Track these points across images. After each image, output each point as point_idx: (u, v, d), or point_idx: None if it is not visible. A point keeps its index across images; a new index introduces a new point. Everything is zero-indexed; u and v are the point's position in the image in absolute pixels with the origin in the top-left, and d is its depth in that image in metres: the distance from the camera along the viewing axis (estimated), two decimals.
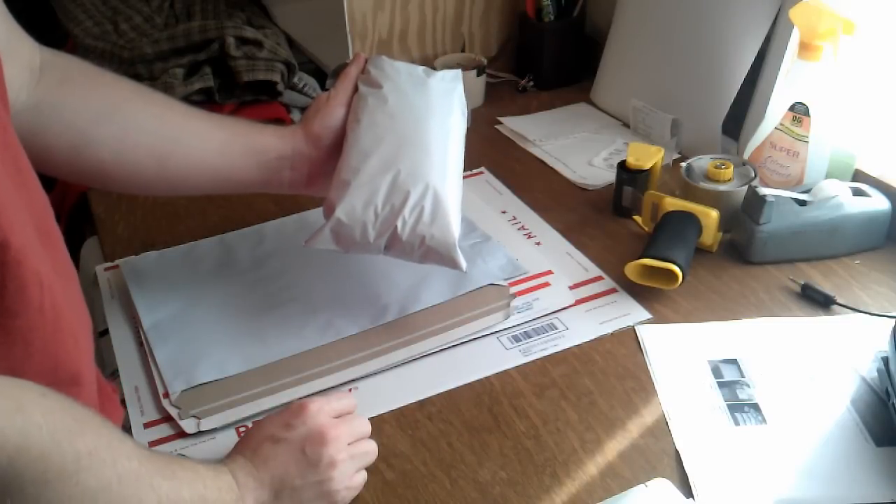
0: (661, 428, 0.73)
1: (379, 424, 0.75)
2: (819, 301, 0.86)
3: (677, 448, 0.70)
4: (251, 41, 1.20)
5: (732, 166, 0.95)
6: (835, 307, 0.85)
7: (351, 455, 0.66)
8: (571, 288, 0.89)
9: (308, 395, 0.75)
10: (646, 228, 0.97)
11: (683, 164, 0.98)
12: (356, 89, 0.83)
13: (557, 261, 0.94)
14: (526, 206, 1.05)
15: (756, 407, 0.74)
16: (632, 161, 0.99)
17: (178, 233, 1.00)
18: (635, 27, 1.21)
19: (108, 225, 1.04)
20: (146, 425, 0.75)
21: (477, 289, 0.87)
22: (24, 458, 0.46)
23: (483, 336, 0.84)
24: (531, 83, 1.35)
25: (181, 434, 0.73)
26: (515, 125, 1.24)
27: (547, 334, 0.84)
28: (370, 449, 0.68)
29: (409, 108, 0.80)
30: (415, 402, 0.77)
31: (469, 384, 0.78)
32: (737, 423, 0.72)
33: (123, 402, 0.77)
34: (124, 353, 0.83)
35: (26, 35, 0.71)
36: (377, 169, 0.76)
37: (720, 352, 0.80)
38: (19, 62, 0.69)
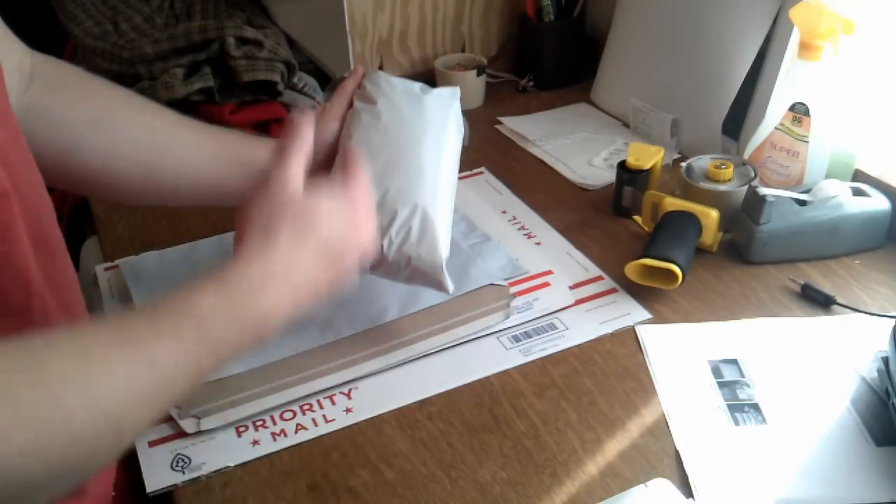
0: (661, 428, 0.73)
1: (379, 424, 0.75)
2: (819, 301, 0.86)
3: (677, 448, 0.70)
4: (251, 41, 1.20)
5: (732, 166, 0.95)
6: (835, 307, 0.85)
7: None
8: (571, 288, 0.89)
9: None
10: (646, 228, 0.97)
11: (683, 164, 0.98)
12: (352, 104, 0.82)
13: (557, 261, 0.94)
14: (526, 206, 1.05)
15: (756, 407, 0.74)
16: (632, 161, 0.99)
17: (178, 233, 1.00)
18: (635, 27, 1.21)
19: (108, 225, 1.04)
20: None
21: (477, 289, 0.87)
22: None
23: (483, 336, 0.84)
24: (531, 83, 1.35)
25: (181, 434, 0.73)
26: (515, 125, 1.24)
27: (547, 334, 0.84)
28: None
29: (403, 125, 0.79)
30: (415, 402, 0.77)
31: (469, 384, 0.78)
32: (737, 423, 0.72)
33: None
34: None
35: (17, 39, 0.71)
36: None
37: (720, 352, 0.80)
38: (9, 66, 0.69)
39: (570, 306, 0.87)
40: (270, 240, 0.59)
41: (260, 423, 0.75)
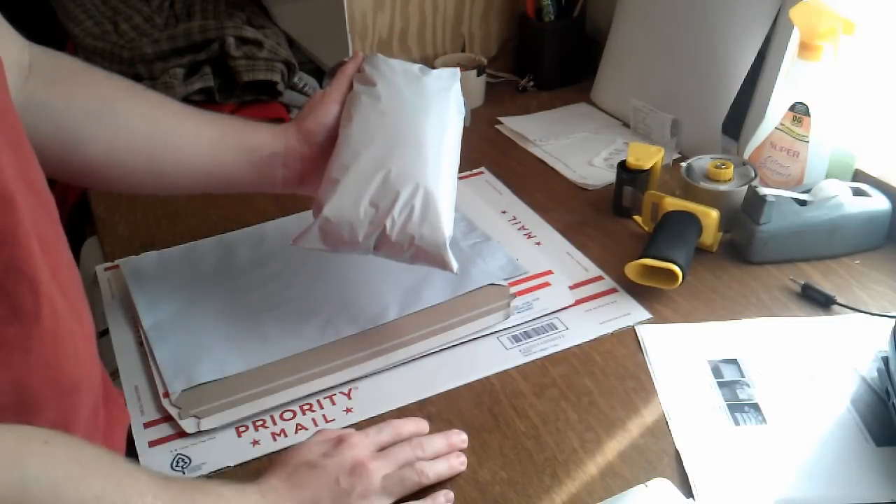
0: (661, 428, 0.73)
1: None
2: (819, 301, 0.86)
3: (677, 448, 0.70)
4: (251, 41, 1.20)
5: (732, 166, 0.95)
6: (835, 307, 0.85)
7: (384, 487, 0.65)
8: (571, 288, 0.89)
9: (340, 426, 0.73)
10: (646, 228, 0.97)
11: (683, 164, 0.98)
12: (352, 87, 0.82)
13: (557, 261, 0.94)
14: (526, 206, 1.05)
15: (756, 407, 0.74)
16: (632, 161, 0.99)
17: (178, 233, 1.00)
18: (635, 27, 1.21)
19: (108, 225, 1.04)
20: (146, 425, 0.75)
21: (477, 289, 0.87)
22: None
23: (483, 336, 0.84)
24: (531, 83, 1.35)
25: (181, 434, 0.73)
26: (515, 125, 1.24)
27: (547, 334, 0.84)
28: (407, 476, 0.66)
29: (403, 106, 0.80)
30: (415, 402, 0.77)
31: (469, 384, 0.78)
32: (737, 423, 0.72)
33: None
34: (124, 353, 0.83)
35: (15, 33, 0.71)
36: (368, 167, 0.75)
37: (720, 352, 0.80)
38: (8, 61, 0.68)
39: (570, 306, 0.87)
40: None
41: (260, 423, 0.75)
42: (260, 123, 0.83)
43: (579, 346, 0.82)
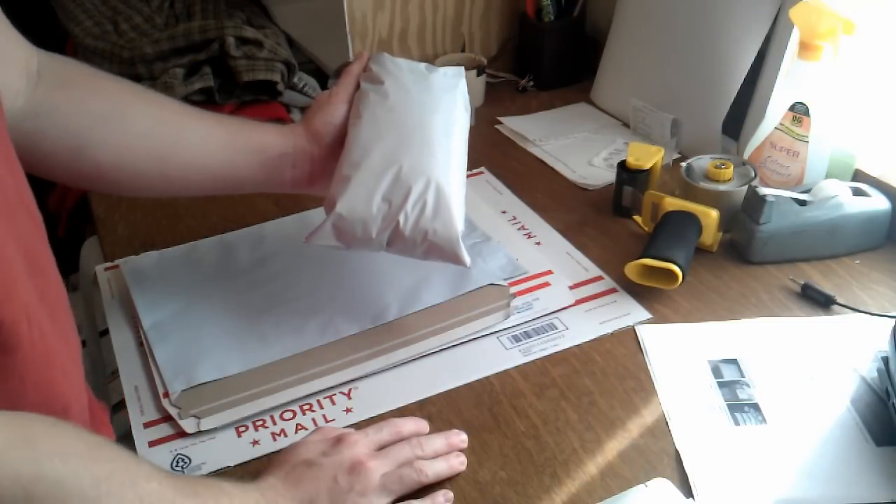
0: (661, 428, 0.73)
1: None
2: (819, 301, 0.86)
3: (677, 448, 0.70)
4: (251, 41, 1.20)
5: (732, 166, 0.95)
6: (835, 307, 0.85)
7: (383, 485, 0.65)
8: (571, 288, 0.89)
9: (339, 425, 0.73)
10: (646, 228, 0.97)
11: (683, 164, 0.98)
12: (358, 86, 0.82)
13: (557, 261, 0.94)
14: (526, 206, 1.05)
15: (756, 407, 0.74)
16: (632, 161, 0.99)
17: (178, 233, 1.00)
18: (635, 27, 1.21)
19: (108, 225, 1.04)
20: (146, 425, 0.75)
21: (477, 289, 0.87)
22: (42, 487, 0.46)
23: (483, 336, 0.84)
24: (531, 83, 1.35)
25: (181, 434, 0.73)
26: (515, 125, 1.24)
27: (547, 334, 0.84)
28: (406, 475, 0.66)
29: (411, 103, 0.80)
30: (415, 402, 0.77)
31: (469, 384, 0.78)
32: (737, 423, 0.72)
33: (122, 403, 0.77)
34: (124, 353, 0.83)
35: (23, 39, 0.71)
36: (379, 164, 0.75)
37: (720, 352, 0.80)
38: (16, 68, 0.69)
39: (570, 306, 0.87)
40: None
41: (260, 423, 0.75)
42: (268, 124, 0.83)
43: (579, 346, 0.82)
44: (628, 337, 0.83)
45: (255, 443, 0.73)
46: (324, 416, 0.76)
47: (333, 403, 0.77)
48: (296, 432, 0.74)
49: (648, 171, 0.99)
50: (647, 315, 0.85)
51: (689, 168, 0.98)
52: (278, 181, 0.82)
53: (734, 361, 0.79)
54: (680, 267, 0.84)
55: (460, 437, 0.71)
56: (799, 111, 0.94)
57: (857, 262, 0.92)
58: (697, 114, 1.11)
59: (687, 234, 0.89)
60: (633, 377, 0.78)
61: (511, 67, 1.39)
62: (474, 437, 0.73)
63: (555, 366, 0.80)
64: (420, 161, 0.76)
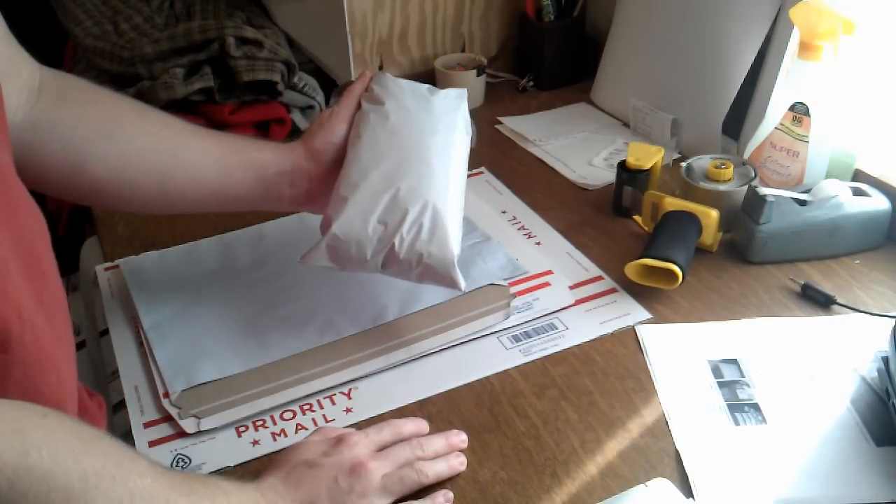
0: (661, 428, 0.73)
1: None
2: (819, 301, 0.86)
3: (677, 448, 0.70)
4: (251, 41, 1.20)
5: (732, 166, 0.95)
6: (835, 307, 0.85)
7: (384, 486, 0.65)
8: (571, 288, 0.89)
9: (336, 424, 0.73)
10: (646, 228, 0.97)
11: (683, 164, 0.98)
12: (360, 106, 0.82)
13: (557, 261, 0.94)
14: (526, 206, 1.05)
15: (756, 407, 0.74)
16: (632, 161, 0.99)
17: (178, 233, 1.00)
18: (635, 27, 1.21)
19: (108, 225, 1.04)
20: (146, 425, 0.75)
21: (477, 289, 0.87)
22: (26, 480, 0.46)
23: (483, 336, 0.84)
24: (531, 83, 1.35)
25: (181, 434, 0.74)
26: (515, 125, 1.24)
27: (547, 334, 0.84)
28: (406, 476, 0.66)
29: (412, 124, 0.80)
30: (415, 402, 0.77)
31: (469, 384, 0.78)
32: (737, 423, 0.72)
33: (122, 403, 0.77)
34: (124, 353, 0.83)
35: (27, 55, 0.72)
36: (377, 185, 0.75)
37: (720, 352, 0.80)
38: (18, 82, 0.69)
39: (570, 306, 0.87)
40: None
41: (260, 423, 0.75)
42: (266, 142, 0.83)
43: (579, 346, 0.82)
44: (628, 337, 0.83)
45: (255, 443, 0.73)
46: (324, 416, 0.76)
47: (333, 403, 0.77)
48: (296, 432, 0.74)
49: (648, 171, 0.99)
50: (647, 315, 0.85)
51: (689, 168, 0.98)
52: (276, 199, 0.81)
53: (734, 361, 0.79)
54: (680, 267, 0.84)
55: (460, 438, 0.71)
56: (799, 111, 0.94)
57: (857, 262, 0.92)
58: (697, 114, 1.11)
59: (687, 234, 0.89)
60: (633, 377, 0.78)
61: (511, 67, 1.39)
62: (474, 437, 0.73)
63: (555, 366, 0.80)
64: (418, 183, 0.76)
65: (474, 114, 1.27)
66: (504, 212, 1.04)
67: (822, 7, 0.89)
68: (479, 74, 1.29)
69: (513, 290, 0.88)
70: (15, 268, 0.55)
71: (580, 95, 1.32)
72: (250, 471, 0.71)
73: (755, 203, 0.90)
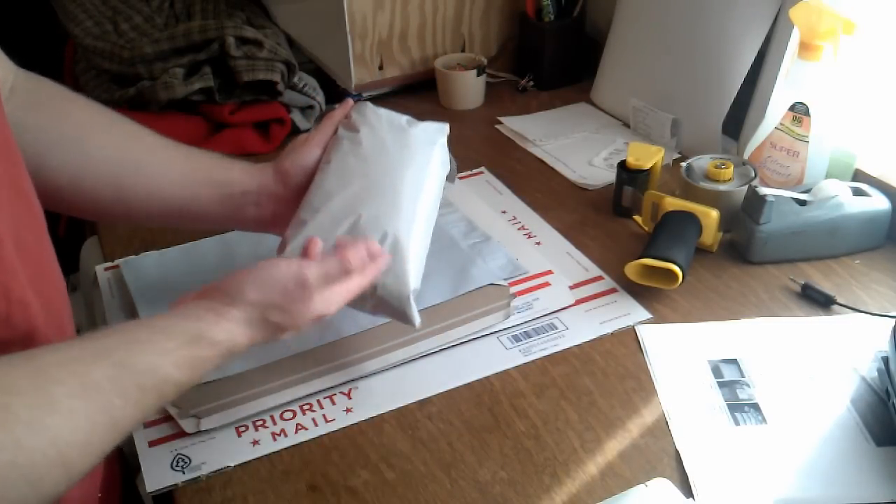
0: (661, 428, 0.73)
1: (379, 424, 0.75)
2: (819, 301, 0.86)
3: (677, 448, 0.70)
4: (251, 41, 1.20)
5: (732, 166, 0.95)
6: (835, 307, 0.85)
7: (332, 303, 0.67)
8: (571, 288, 0.89)
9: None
10: (646, 228, 0.97)
11: (683, 164, 0.98)
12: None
13: (557, 261, 0.94)
14: (526, 206, 1.05)
15: (756, 407, 0.74)
16: (632, 161, 0.99)
17: (178, 233, 1.00)
18: (635, 27, 1.21)
19: (108, 225, 1.03)
20: (146, 425, 0.75)
21: (477, 289, 0.87)
22: None
23: (483, 336, 0.84)
24: (531, 83, 1.35)
25: (181, 434, 0.74)
26: (515, 125, 1.24)
27: (547, 334, 0.84)
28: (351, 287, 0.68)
29: (384, 154, 0.78)
30: (415, 402, 0.77)
31: (469, 384, 0.78)
32: (737, 423, 0.72)
33: None
34: None
35: (4, 56, 0.71)
36: (338, 211, 0.74)
37: (720, 352, 0.80)
38: None
39: (570, 306, 0.87)
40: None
41: (260, 423, 0.75)
42: (235, 161, 0.81)
43: (579, 346, 0.82)
44: (628, 337, 0.83)
45: (255, 443, 0.73)
46: (324, 416, 0.76)
47: (333, 403, 0.77)
48: (296, 432, 0.74)
49: (648, 171, 0.99)
50: (647, 315, 0.85)
51: (689, 168, 0.98)
52: (241, 218, 0.80)
53: (734, 361, 0.79)
54: (680, 267, 0.84)
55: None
56: (799, 111, 0.94)
57: (857, 262, 0.92)
58: (697, 114, 1.11)
59: (687, 234, 0.89)
60: (633, 377, 0.78)
61: (511, 67, 1.39)
62: (474, 437, 0.73)
63: (555, 366, 0.80)
64: (381, 213, 0.74)
65: (474, 114, 1.28)
66: (504, 212, 1.04)
67: (822, 7, 0.89)
68: (479, 74, 1.29)
69: (513, 290, 0.88)
70: (9, 248, 0.55)
71: (580, 95, 1.32)
72: (250, 471, 0.71)
73: (755, 203, 0.90)
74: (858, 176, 0.97)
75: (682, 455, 0.70)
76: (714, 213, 0.91)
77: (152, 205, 0.78)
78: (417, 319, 0.74)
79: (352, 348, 0.81)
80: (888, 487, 0.66)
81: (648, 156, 0.99)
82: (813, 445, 0.70)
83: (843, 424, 0.72)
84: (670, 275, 0.84)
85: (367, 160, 0.77)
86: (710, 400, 0.75)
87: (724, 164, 0.95)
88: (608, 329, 0.84)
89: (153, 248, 0.97)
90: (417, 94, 1.34)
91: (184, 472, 0.70)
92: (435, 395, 0.77)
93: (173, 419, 0.74)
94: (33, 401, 0.48)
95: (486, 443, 0.72)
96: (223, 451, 0.72)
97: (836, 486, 0.66)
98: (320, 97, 1.25)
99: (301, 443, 0.73)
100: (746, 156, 1.01)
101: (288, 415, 0.76)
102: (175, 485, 0.69)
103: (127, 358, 0.54)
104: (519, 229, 1.00)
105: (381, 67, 1.30)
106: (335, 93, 1.32)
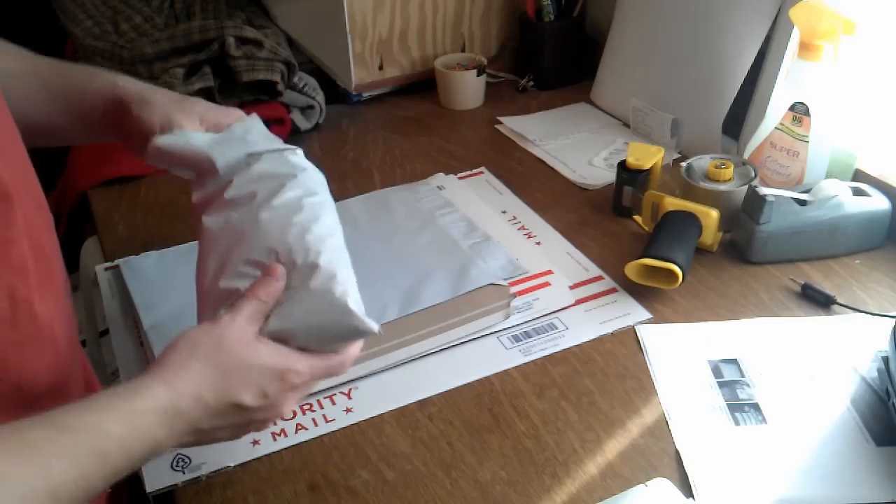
0: (661, 428, 0.73)
1: (379, 424, 0.75)
2: (819, 301, 0.86)
3: (677, 448, 0.70)
4: (251, 41, 1.20)
5: (732, 166, 0.95)
6: (835, 307, 0.85)
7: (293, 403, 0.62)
8: (571, 288, 0.89)
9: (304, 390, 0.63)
10: (646, 228, 0.97)
11: (683, 164, 0.98)
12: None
13: (557, 261, 0.94)
14: (526, 206, 1.05)
15: (756, 407, 0.74)
16: (632, 161, 0.99)
17: (178, 233, 1.00)
18: (635, 27, 1.21)
19: (108, 225, 1.04)
20: None
21: (477, 289, 0.87)
22: None
23: (483, 336, 0.84)
24: (531, 83, 1.35)
25: None
26: (515, 125, 1.24)
27: (547, 334, 0.84)
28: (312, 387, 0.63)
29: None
30: (415, 402, 0.77)
31: (469, 384, 0.78)
32: (737, 423, 0.72)
33: None
34: (124, 353, 0.83)
35: None
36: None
37: (720, 352, 0.80)
38: None
39: (570, 306, 0.87)
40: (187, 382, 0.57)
41: None
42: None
43: (579, 346, 0.82)
44: (628, 337, 0.83)
45: (255, 443, 0.73)
46: (324, 416, 0.76)
47: (333, 403, 0.77)
48: (296, 432, 0.74)
49: (648, 171, 0.99)
50: (647, 315, 0.85)
51: (689, 168, 0.98)
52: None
53: (734, 361, 0.79)
54: (680, 267, 0.84)
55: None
56: (799, 111, 0.94)
57: (857, 262, 0.92)
58: (697, 114, 1.11)
59: (687, 234, 0.89)
60: (633, 377, 0.78)
61: (511, 67, 1.39)
62: (474, 437, 0.73)
63: (555, 366, 0.80)
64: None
65: (474, 114, 1.29)
66: (504, 212, 1.04)
67: (822, 7, 0.89)
68: (479, 74, 1.29)
69: (513, 290, 0.88)
70: (23, 248, 0.55)
71: (580, 95, 1.32)
72: (250, 471, 0.71)
73: (755, 203, 0.90)
74: (858, 176, 0.97)
75: (682, 455, 0.70)
76: (714, 213, 0.91)
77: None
78: (375, 325, 0.64)
79: None
80: (888, 487, 0.66)
81: (648, 156, 0.99)
82: (813, 445, 0.70)
83: (843, 424, 0.72)
84: (670, 275, 0.84)
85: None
86: (710, 400, 0.75)
87: (724, 164, 0.95)
88: (608, 329, 0.84)
89: (153, 248, 0.97)
90: (417, 94, 1.34)
91: (184, 472, 0.70)
92: (435, 395, 0.77)
93: None
94: None
95: (486, 443, 0.72)
96: (223, 450, 0.72)
97: (836, 486, 0.66)
98: (320, 97, 1.25)
99: (301, 443, 0.73)
100: (746, 156, 1.01)
101: (288, 415, 0.76)
102: (175, 485, 0.69)
103: (66, 419, 0.50)
104: (519, 229, 1.00)
105: (381, 67, 1.30)
106: (335, 93, 1.32)
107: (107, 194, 1.08)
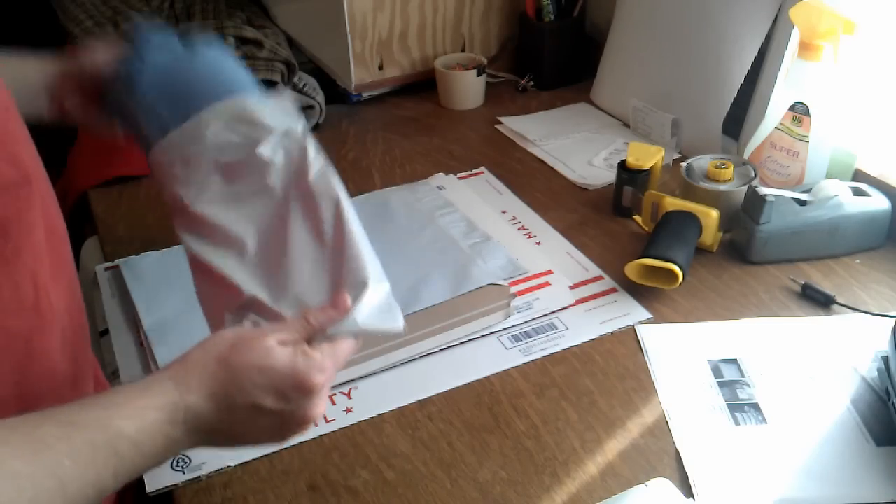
0: (661, 428, 0.73)
1: (379, 424, 0.75)
2: (819, 301, 0.86)
3: (677, 448, 0.70)
4: (251, 41, 1.20)
5: (732, 166, 0.95)
6: (835, 307, 0.85)
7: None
8: (571, 288, 0.89)
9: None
10: (646, 228, 0.97)
11: (683, 164, 0.98)
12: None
13: (557, 261, 0.94)
14: (526, 206, 1.05)
15: (756, 407, 0.74)
16: (632, 161, 0.99)
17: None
18: (635, 27, 1.21)
19: (108, 225, 1.04)
20: None
21: (477, 289, 0.87)
22: None
23: (483, 336, 0.84)
24: (531, 83, 1.35)
25: None
26: (515, 125, 1.24)
27: (547, 334, 0.84)
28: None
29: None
30: (415, 402, 0.77)
31: (469, 384, 0.78)
32: (737, 423, 0.72)
33: None
34: (124, 353, 0.83)
35: None
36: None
37: (720, 352, 0.80)
38: None
39: (570, 306, 0.87)
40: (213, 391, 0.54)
41: None
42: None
43: (579, 345, 0.82)
44: (628, 337, 0.83)
45: None
46: (324, 416, 0.75)
47: (333, 403, 0.77)
48: None
49: (648, 171, 0.99)
50: (647, 315, 0.85)
51: (689, 168, 0.98)
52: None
53: (734, 361, 0.79)
54: (680, 267, 0.84)
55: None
56: (799, 111, 0.94)
57: (857, 262, 0.92)
58: (697, 114, 1.11)
59: (687, 234, 0.89)
60: (633, 377, 0.78)
61: (511, 67, 1.39)
62: (474, 437, 0.73)
63: (555, 366, 0.80)
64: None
65: (474, 114, 1.28)
66: (504, 212, 1.04)
67: (822, 7, 0.89)
68: (479, 74, 1.29)
69: (513, 290, 0.88)
70: (40, 235, 0.55)
71: (580, 95, 1.32)
72: (250, 471, 0.71)
73: (755, 203, 0.90)
74: (858, 176, 0.97)
75: (682, 455, 0.70)
76: (714, 213, 0.91)
77: None
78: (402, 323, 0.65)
79: None
80: (888, 487, 0.66)
81: (648, 156, 0.99)
82: (813, 445, 0.70)
83: (843, 424, 0.72)
84: (670, 275, 0.84)
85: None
86: (710, 400, 0.75)
87: (724, 164, 0.95)
88: (608, 329, 0.84)
89: (153, 248, 0.97)
90: (417, 94, 1.34)
91: (184, 472, 0.70)
92: (435, 395, 0.77)
93: None
94: None
95: (486, 443, 0.72)
96: (223, 452, 0.72)
97: (836, 486, 0.66)
98: (320, 97, 1.25)
99: (301, 443, 0.73)
100: (746, 156, 1.01)
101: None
102: (175, 485, 0.69)
103: (75, 415, 0.49)
104: (519, 229, 1.00)
105: (381, 67, 1.30)
106: (335, 93, 1.32)
107: (107, 194, 1.08)
